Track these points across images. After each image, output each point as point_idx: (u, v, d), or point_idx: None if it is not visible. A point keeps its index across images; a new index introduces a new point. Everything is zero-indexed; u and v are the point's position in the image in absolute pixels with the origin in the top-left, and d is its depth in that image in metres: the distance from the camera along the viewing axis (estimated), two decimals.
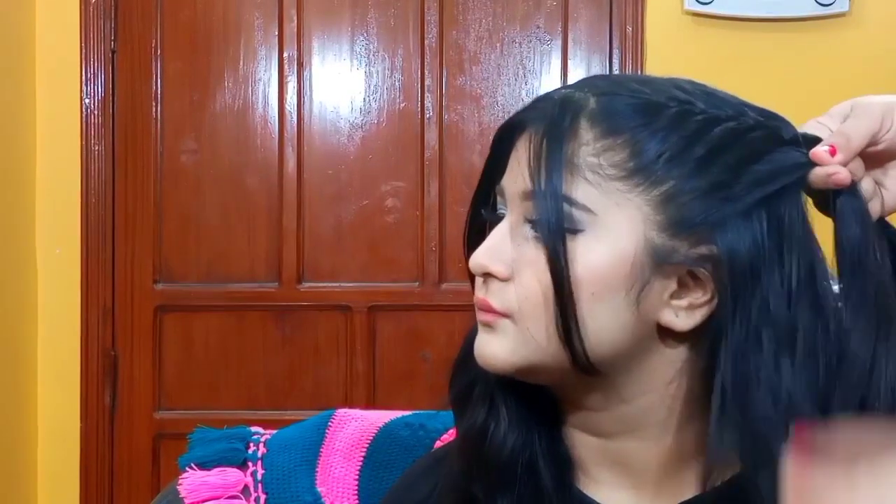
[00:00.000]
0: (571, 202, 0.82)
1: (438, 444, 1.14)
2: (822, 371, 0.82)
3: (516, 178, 0.85)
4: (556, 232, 0.81)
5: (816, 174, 0.84)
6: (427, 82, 2.99)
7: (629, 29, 2.95)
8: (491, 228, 0.87)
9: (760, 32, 2.93)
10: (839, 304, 0.83)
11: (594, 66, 2.99)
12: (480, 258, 0.85)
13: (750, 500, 0.81)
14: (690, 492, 0.87)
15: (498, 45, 3.00)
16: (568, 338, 0.82)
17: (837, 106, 0.88)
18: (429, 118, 2.99)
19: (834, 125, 0.86)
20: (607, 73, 2.94)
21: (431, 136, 2.99)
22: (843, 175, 0.83)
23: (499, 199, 0.88)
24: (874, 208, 0.86)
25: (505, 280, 0.84)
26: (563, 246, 0.81)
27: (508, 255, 0.84)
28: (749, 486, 0.81)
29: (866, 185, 0.86)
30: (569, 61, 2.99)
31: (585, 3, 2.99)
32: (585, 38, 3.00)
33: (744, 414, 0.81)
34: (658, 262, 0.82)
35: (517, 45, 3.00)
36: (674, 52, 2.94)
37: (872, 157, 0.86)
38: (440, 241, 2.98)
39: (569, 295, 0.81)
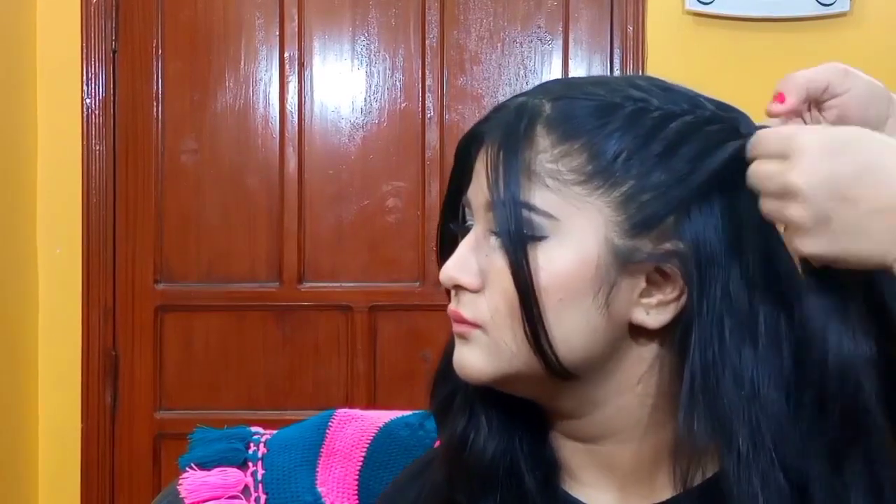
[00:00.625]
0: (532, 209, 0.82)
1: (438, 443, 1.14)
2: (786, 358, 0.82)
3: (478, 189, 0.85)
4: (516, 240, 0.81)
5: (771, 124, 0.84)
6: (428, 82, 2.99)
7: (630, 29, 2.95)
8: (462, 239, 0.87)
9: (761, 32, 2.93)
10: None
11: (595, 66, 2.99)
12: (450, 271, 0.86)
13: (735, 491, 0.82)
14: (680, 487, 0.87)
15: (499, 44, 3.00)
16: (538, 345, 0.82)
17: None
18: (430, 118, 2.99)
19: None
20: (607, 73, 2.94)
21: (432, 135, 2.99)
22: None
23: (466, 210, 0.88)
24: None
25: (475, 291, 0.85)
26: (525, 254, 0.81)
27: (477, 265, 0.85)
28: (731, 477, 0.82)
29: None
30: (570, 61, 2.99)
31: (586, 3, 2.99)
32: (586, 38, 3.00)
33: (710, 403, 0.82)
34: (623, 263, 0.82)
35: (518, 44, 3.00)
36: (674, 52, 2.94)
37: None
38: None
39: (535, 302, 0.81)
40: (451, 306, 0.87)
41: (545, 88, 0.87)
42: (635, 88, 0.85)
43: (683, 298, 0.83)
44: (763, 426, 0.81)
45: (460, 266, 0.85)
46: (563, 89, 0.86)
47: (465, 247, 0.86)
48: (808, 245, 0.76)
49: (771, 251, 0.83)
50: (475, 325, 0.85)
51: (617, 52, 2.97)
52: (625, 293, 0.83)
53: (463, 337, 0.86)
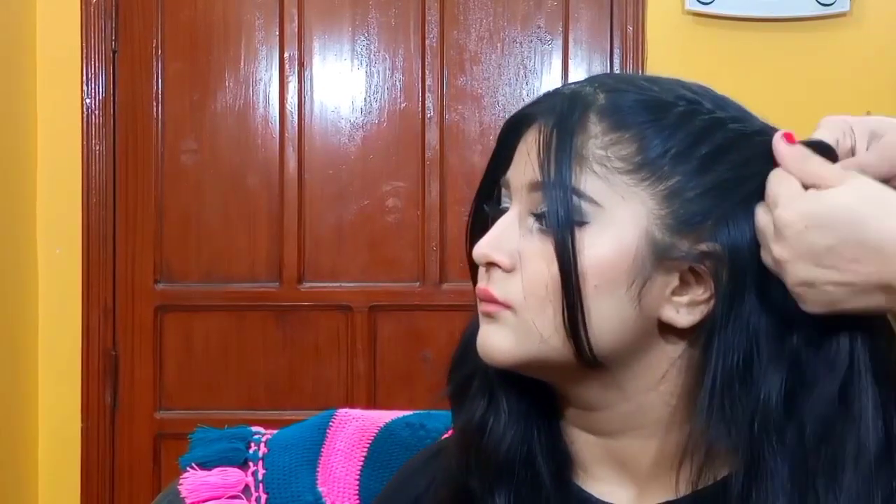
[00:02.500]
0: (579, 194, 0.82)
1: (446, 436, 1.14)
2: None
3: (524, 169, 0.85)
4: (565, 223, 0.82)
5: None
6: (428, 82, 2.99)
7: (630, 29, 2.95)
8: (493, 223, 0.87)
9: (761, 32, 2.93)
10: None
11: (595, 66, 2.99)
12: (484, 248, 0.86)
13: (744, 496, 0.82)
14: (690, 488, 0.87)
15: (499, 44, 3.00)
16: (574, 330, 0.82)
17: (875, 120, 0.86)
18: (429, 118, 2.99)
19: (861, 141, 0.85)
20: (608, 72, 2.94)
21: (432, 136, 2.99)
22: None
23: (503, 191, 0.88)
24: None
25: (508, 271, 0.85)
26: (572, 238, 0.82)
27: (513, 245, 0.85)
28: (742, 482, 0.82)
29: None
30: (570, 61, 3.00)
31: (586, 3, 2.99)
32: (586, 38, 3.00)
33: (727, 409, 0.82)
34: (660, 258, 0.82)
35: (518, 44, 3.00)
36: (674, 52, 2.94)
37: None
38: (441, 241, 2.98)
39: (576, 287, 0.81)
40: (481, 284, 0.86)
41: (598, 80, 0.88)
42: (687, 90, 0.86)
43: (713, 302, 0.83)
44: (775, 438, 0.81)
45: (495, 244, 0.85)
46: (617, 82, 0.87)
47: (501, 226, 0.86)
48: (808, 308, 0.80)
49: None
50: (505, 306, 0.85)
51: (617, 52, 2.97)
52: (658, 288, 0.83)
53: (490, 316, 0.86)
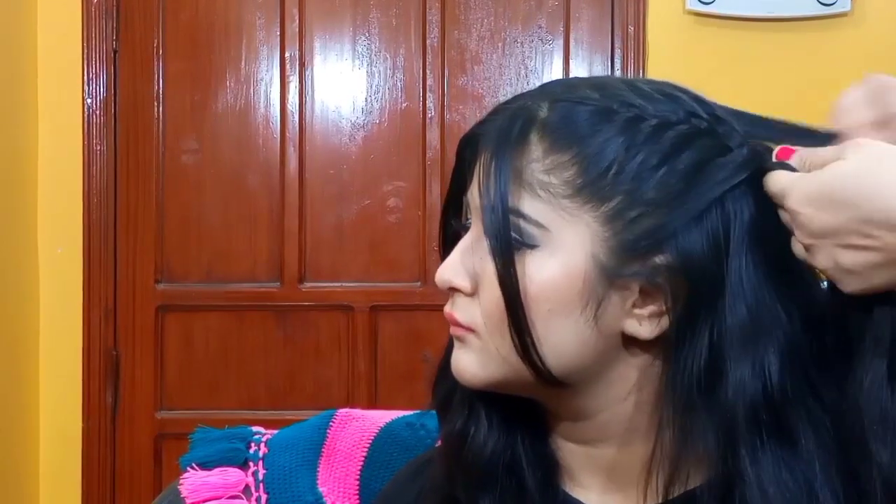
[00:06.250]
0: (522, 216, 0.81)
1: (439, 443, 1.14)
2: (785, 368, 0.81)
3: (476, 191, 0.84)
4: (504, 246, 0.80)
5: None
6: (429, 82, 2.99)
7: (631, 29, 2.95)
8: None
9: (762, 32, 2.93)
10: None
11: (596, 66, 2.99)
12: (444, 274, 0.85)
13: (727, 499, 0.81)
14: (660, 498, 0.86)
15: (500, 44, 3.00)
16: (526, 354, 0.81)
17: (876, 80, 0.86)
18: (430, 118, 2.99)
19: (866, 111, 0.84)
20: (607, 73, 2.94)
21: (433, 135, 2.99)
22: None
23: (468, 209, 0.88)
24: None
25: (469, 295, 0.84)
26: (511, 261, 0.80)
27: (471, 268, 0.84)
28: (714, 492, 0.82)
29: None
30: (570, 61, 2.99)
31: (587, 3, 2.99)
32: (587, 38, 3.00)
33: (691, 421, 0.81)
34: (610, 278, 0.81)
35: (519, 44, 3.00)
36: (675, 52, 2.94)
37: None
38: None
39: (522, 311, 0.80)
40: (447, 308, 0.86)
41: (545, 90, 0.86)
42: (635, 92, 0.84)
43: (677, 310, 0.82)
44: (750, 446, 0.80)
45: (455, 269, 0.85)
46: (562, 91, 0.85)
47: (460, 249, 0.86)
48: (844, 287, 0.77)
49: (773, 259, 0.82)
50: (469, 329, 0.84)
51: (618, 52, 2.97)
52: (615, 306, 0.82)
53: (459, 339, 0.86)
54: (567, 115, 0.82)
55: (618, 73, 2.94)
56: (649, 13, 2.94)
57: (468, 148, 0.87)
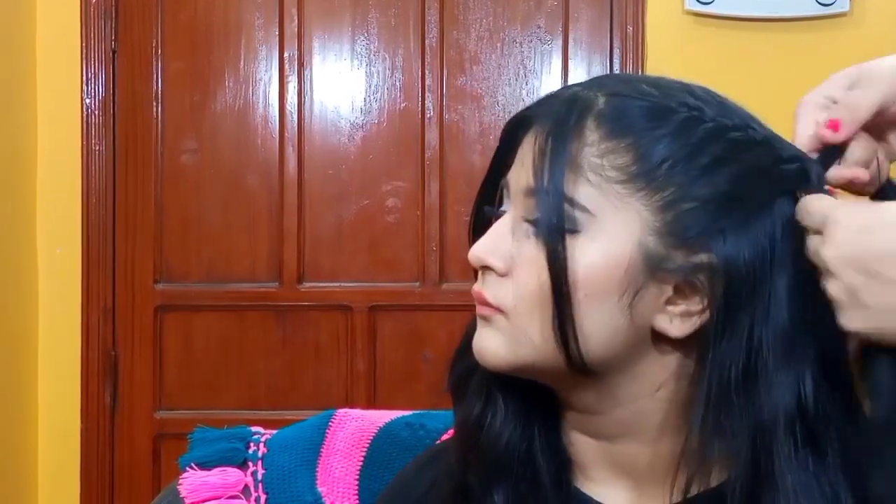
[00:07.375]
0: (572, 202, 0.81)
1: (446, 436, 1.14)
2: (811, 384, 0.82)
3: (520, 174, 0.85)
4: (556, 231, 0.81)
5: (833, 177, 0.84)
6: (428, 82, 2.99)
7: (630, 29, 2.95)
8: (494, 222, 0.87)
9: (761, 32, 2.93)
10: None
11: (595, 66, 2.99)
12: (479, 251, 0.85)
13: (751, 499, 0.81)
14: (681, 496, 0.86)
15: (498, 44, 3.00)
16: (563, 338, 0.81)
17: (841, 73, 0.87)
18: (429, 118, 2.99)
19: (839, 94, 0.85)
20: (608, 72, 2.94)
21: (432, 135, 2.99)
22: (862, 176, 0.83)
23: (504, 193, 0.88)
24: (874, 181, 0.86)
25: (502, 275, 0.84)
26: (563, 246, 0.81)
27: (507, 250, 0.84)
28: (742, 490, 0.82)
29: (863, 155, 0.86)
30: (569, 61, 2.99)
31: (586, 3, 2.99)
32: (586, 38, 3.00)
33: (720, 421, 0.81)
34: (653, 269, 0.81)
35: (518, 44, 3.00)
36: (674, 52, 2.94)
37: (874, 128, 0.85)
38: (441, 241, 2.98)
39: (566, 295, 0.81)
40: (476, 286, 0.86)
41: (600, 82, 0.87)
42: (691, 95, 0.84)
43: (708, 314, 0.82)
44: (784, 451, 0.81)
45: (491, 248, 0.85)
46: (619, 85, 0.85)
47: (497, 229, 0.86)
48: (845, 321, 0.76)
49: (809, 276, 0.81)
50: (497, 310, 0.84)
51: (617, 52, 2.97)
52: (651, 298, 0.82)
53: (485, 319, 0.86)
54: (624, 108, 0.83)
55: (628, 73, 2.93)
56: (648, 13, 2.94)
57: (515, 130, 0.87)
